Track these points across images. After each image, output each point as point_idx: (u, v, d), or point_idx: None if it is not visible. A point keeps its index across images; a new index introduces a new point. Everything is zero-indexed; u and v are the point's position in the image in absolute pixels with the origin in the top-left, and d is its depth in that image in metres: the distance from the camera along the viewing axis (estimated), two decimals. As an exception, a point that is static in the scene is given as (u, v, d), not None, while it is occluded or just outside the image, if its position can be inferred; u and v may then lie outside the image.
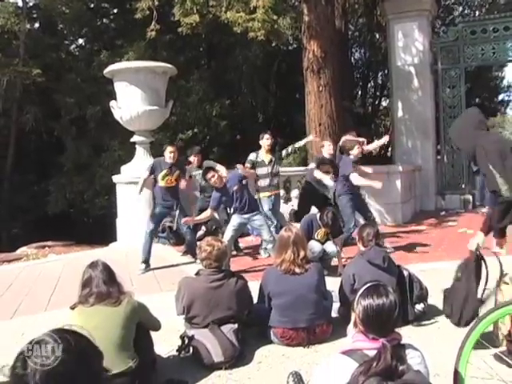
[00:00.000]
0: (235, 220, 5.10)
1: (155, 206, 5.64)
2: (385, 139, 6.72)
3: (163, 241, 6.79)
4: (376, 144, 6.66)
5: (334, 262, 5.14)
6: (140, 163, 7.29)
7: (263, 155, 5.95)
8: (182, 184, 5.56)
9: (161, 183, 5.51)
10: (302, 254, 3.17)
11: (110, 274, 2.61)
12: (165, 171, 5.64)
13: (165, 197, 5.64)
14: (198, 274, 3.11)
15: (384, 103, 18.61)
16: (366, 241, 3.42)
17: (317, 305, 3.12)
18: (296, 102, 13.31)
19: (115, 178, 7.44)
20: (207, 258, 3.03)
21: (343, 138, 6.22)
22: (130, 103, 7.16)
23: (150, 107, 7.17)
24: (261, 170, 5.89)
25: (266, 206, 5.86)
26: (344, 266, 4.48)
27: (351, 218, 5.68)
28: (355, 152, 5.87)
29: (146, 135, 7.47)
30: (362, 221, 5.63)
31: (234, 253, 5.87)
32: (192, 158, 6.30)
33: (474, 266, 2.58)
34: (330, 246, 5.04)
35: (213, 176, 4.98)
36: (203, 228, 7.21)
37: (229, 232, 5.08)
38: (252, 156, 5.95)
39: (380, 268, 3.22)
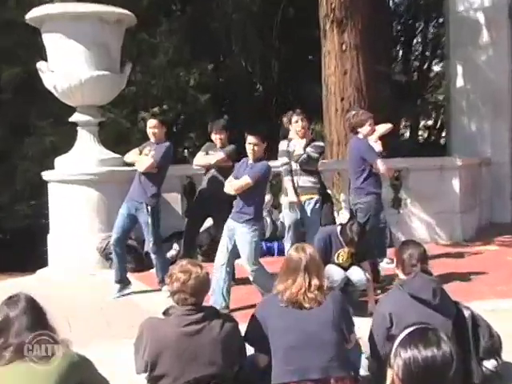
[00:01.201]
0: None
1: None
2: (385, 128, 6.71)
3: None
4: (379, 131, 6.57)
5: (363, 295, 5.18)
6: (83, 153, 7.32)
7: (296, 143, 5.94)
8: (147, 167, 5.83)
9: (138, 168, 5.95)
10: (315, 283, 3.19)
11: (38, 315, 2.51)
12: (146, 150, 6.00)
13: (137, 190, 5.92)
14: (167, 313, 3.11)
15: (436, 68, 18.76)
16: (407, 266, 3.43)
17: (336, 348, 3.07)
18: (309, 67, 13.35)
19: (46, 175, 7.47)
20: (181, 290, 3.02)
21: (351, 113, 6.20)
22: (68, 66, 7.14)
23: (97, 72, 7.19)
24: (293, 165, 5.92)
25: (294, 214, 5.88)
26: (376, 301, 4.51)
27: (384, 231, 5.74)
28: (365, 131, 5.92)
29: (93, 113, 7.52)
30: None
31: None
32: (214, 137, 6.34)
33: None
34: (357, 273, 5.09)
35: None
36: (174, 246, 7.24)
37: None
38: (284, 145, 6.00)
39: (429, 305, 3.23)
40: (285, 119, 6.54)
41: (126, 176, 7.20)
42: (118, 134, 11.83)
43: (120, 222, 5.96)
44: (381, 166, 5.74)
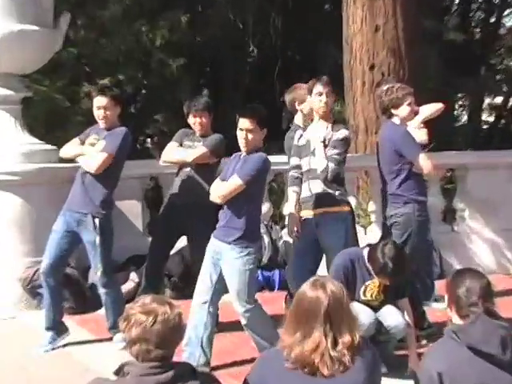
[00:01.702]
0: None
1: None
2: (433, 109, 6.74)
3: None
4: (423, 114, 6.58)
5: (400, 346, 5.19)
6: (0, 144, 7.32)
7: (313, 129, 5.89)
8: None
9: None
10: (346, 339, 3.16)
11: None
12: (91, 138, 6.02)
13: (79, 196, 5.93)
14: (121, 372, 3.10)
15: (509, 21, 18.84)
16: (464, 305, 3.42)
17: None
18: (324, 22, 13.41)
19: None
20: (142, 339, 3.01)
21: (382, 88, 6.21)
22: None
23: (19, 26, 7.21)
24: (305, 162, 5.87)
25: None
26: (420, 355, 4.50)
27: (431, 255, 5.75)
28: (404, 113, 5.94)
29: (13, 86, 7.54)
30: None
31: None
32: (191, 121, 6.37)
33: None
34: (392, 316, 5.09)
35: None
36: (132, 276, 7.22)
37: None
38: (293, 136, 5.95)
39: (495, 361, 3.23)
40: (293, 96, 6.48)
41: (62, 176, 7.18)
42: (50, 116, 11.84)
43: (54, 243, 5.95)
44: (424, 163, 5.74)
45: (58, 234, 5.94)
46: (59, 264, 6.01)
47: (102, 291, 6.03)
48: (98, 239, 5.80)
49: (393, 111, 5.87)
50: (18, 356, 5.83)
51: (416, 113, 6.15)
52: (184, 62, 12.79)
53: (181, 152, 6.29)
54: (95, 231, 5.81)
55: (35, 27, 7.27)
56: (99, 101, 5.99)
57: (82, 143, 6.10)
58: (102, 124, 6.01)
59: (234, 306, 5.26)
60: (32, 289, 7.00)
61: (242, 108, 5.45)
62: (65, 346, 6.01)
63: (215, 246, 5.25)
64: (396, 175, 5.82)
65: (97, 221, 5.82)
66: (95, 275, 6.02)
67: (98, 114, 5.98)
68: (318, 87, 5.78)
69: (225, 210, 5.24)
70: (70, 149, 6.20)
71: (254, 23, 14.29)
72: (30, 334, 6.28)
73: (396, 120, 5.88)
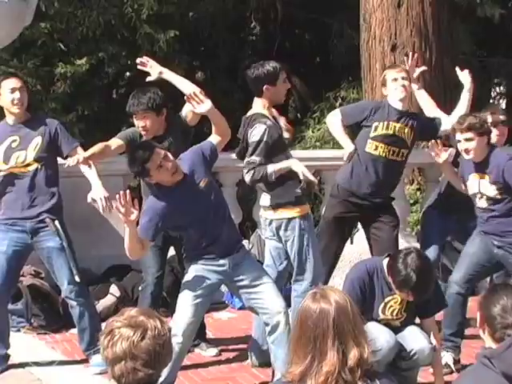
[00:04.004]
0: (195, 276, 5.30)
1: None
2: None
3: (14, 321, 6.84)
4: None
5: (425, 373, 5.19)
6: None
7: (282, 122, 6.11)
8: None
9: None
10: (354, 355, 3.17)
11: None
12: (9, 140, 5.94)
13: (19, 203, 5.89)
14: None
15: None
16: (499, 326, 3.43)
17: None
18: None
19: None
20: (128, 356, 3.01)
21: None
22: None
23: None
24: (277, 159, 5.89)
25: (294, 242, 5.92)
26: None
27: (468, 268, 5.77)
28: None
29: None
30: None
31: (198, 351, 6.24)
32: (136, 123, 6.20)
33: None
34: (416, 338, 5.09)
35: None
36: (112, 290, 7.24)
37: (186, 309, 5.24)
38: (262, 126, 5.92)
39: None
40: None
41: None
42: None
43: (2, 263, 5.86)
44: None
45: (4, 254, 5.83)
46: (10, 287, 5.98)
47: (74, 304, 5.94)
48: (64, 243, 5.79)
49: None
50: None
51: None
52: (174, 38, 12.71)
53: None
54: (57, 235, 5.80)
55: (1, -1, 7.29)
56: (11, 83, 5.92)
57: None
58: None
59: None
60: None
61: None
62: (28, 366, 5.96)
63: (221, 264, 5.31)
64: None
65: (57, 223, 5.81)
66: (66, 285, 5.91)
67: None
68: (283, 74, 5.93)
69: None
70: None
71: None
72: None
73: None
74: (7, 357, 5.98)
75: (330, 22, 13.62)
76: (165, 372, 4.95)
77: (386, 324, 5.09)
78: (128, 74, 13.56)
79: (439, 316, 5.70)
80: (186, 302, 5.23)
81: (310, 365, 3.15)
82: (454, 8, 11.24)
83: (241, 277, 5.23)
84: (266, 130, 5.56)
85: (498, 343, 3.40)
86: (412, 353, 5.04)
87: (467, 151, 5.73)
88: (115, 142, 6.08)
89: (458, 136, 5.76)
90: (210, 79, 13.32)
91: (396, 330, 5.10)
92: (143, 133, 6.08)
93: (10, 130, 5.94)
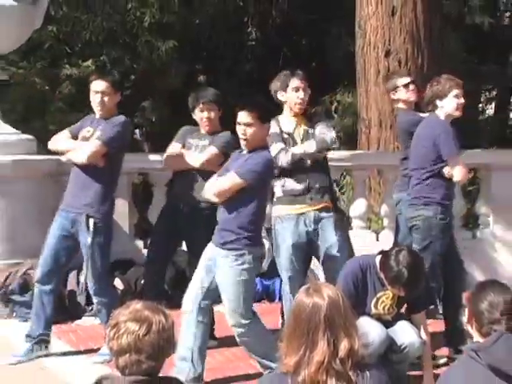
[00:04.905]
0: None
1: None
2: None
3: (22, 311, 6.93)
4: None
5: (414, 366, 5.19)
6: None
7: (289, 123, 6.02)
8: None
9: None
10: (344, 346, 3.19)
11: None
12: (85, 131, 5.97)
13: (73, 194, 5.92)
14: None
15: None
16: (486, 321, 3.42)
17: None
18: (334, 2, 13.40)
19: None
20: (133, 348, 3.01)
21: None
22: None
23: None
24: (287, 156, 5.88)
25: (290, 237, 5.89)
26: (436, 377, 4.49)
27: (436, 269, 5.77)
28: (451, 106, 5.96)
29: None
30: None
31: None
32: (198, 116, 6.33)
33: None
34: (406, 332, 5.08)
35: None
36: (117, 283, 7.26)
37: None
38: (275, 127, 5.89)
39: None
40: (277, 83, 6.46)
41: (42, 169, 7.21)
42: (28, 102, 11.83)
43: (49, 248, 5.94)
44: (459, 169, 5.74)
45: (53, 238, 5.93)
46: (56, 272, 5.98)
47: (94, 300, 6.06)
48: (89, 240, 5.78)
49: (437, 102, 5.89)
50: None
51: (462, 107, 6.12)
52: (174, 45, 12.72)
53: (186, 155, 6.21)
54: (88, 232, 5.79)
55: (13, 2, 7.33)
56: (98, 85, 5.89)
57: (74, 136, 6.04)
58: (97, 112, 5.95)
59: (226, 318, 5.28)
60: (4, 295, 7.02)
61: (241, 100, 5.44)
62: (40, 358, 5.99)
63: (210, 252, 5.28)
64: (424, 174, 5.85)
65: (91, 221, 5.80)
66: (87, 282, 6.04)
67: (95, 100, 5.90)
68: (295, 81, 5.87)
69: (222, 211, 5.27)
70: (60, 142, 6.11)
71: (255, 3, 14.28)
72: (3, 345, 6.27)
73: (440, 114, 5.90)
74: (48, 342, 6.05)
75: (327, 28, 13.61)
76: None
77: (378, 318, 5.08)
78: (132, 77, 13.55)
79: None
80: None
81: (303, 355, 3.17)
82: (446, 16, 11.25)
83: None
84: None
85: (485, 337, 3.40)
86: (403, 346, 5.03)
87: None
88: (177, 147, 6.29)
89: None
90: (212, 82, 13.30)
91: (387, 325, 5.09)
92: (206, 124, 6.18)
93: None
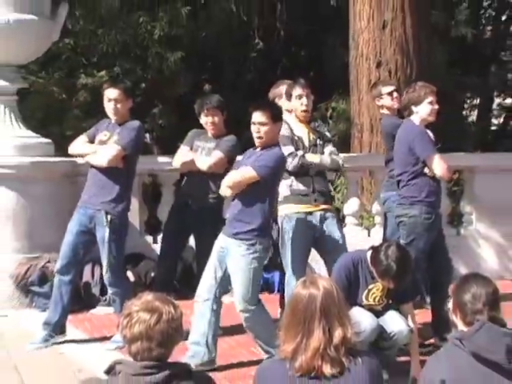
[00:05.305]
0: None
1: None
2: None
3: (41, 302, 6.95)
4: None
5: (402, 352, 5.19)
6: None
7: (299, 129, 5.98)
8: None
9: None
10: (338, 334, 3.19)
11: None
12: (102, 135, 6.02)
13: (92, 193, 5.96)
14: (111, 371, 3.09)
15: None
16: (469, 312, 3.40)
17: None
18: (331, 17, 13.39)
19: None
20: (144, 337, 3.01)
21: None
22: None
23: (16, 16, 7.25)
24: (294, 161, 5.87)
25: (298, 235, 5.84)
26: (423, 363, 4.49)
27: (420, 263, 5.74)
28: (425, 111, 5.94)
29: (9, 76, 7.57)
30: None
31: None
32: (203, 120, 6.38)
33: None
34: (395, 321, 5.09)
35: None
36: (128, 275, 7.25)
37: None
38: (286, 129, 5.87)
39: (500, 370, 3.22)
40: (274, 91, 6.46)
41: (59, 170, 7.20)
42: (46, 109, 11.84)
43: (68, 243, 5.98)
44: (438, 165, 5.74)
45: (72, 234, 5.99)
46: (74, 264, 6.05)
47: (109, 291, 6.14)
48: (106, 236, 5.84)
49: (413, 108, 5.89)
50: (9, 356, 5.85)
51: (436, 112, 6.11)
52: (182, 56, 12.76)
53: (194, 158, 6.27)
54: (105, 228, 5.85)
55: (33, 17, 7.31)
56: (112, 92, 5.96)
57: (91, 140, 6.09)
58: (112, 117, 6.02)
59: (235, 304, 5.32)
60: (24, 286, 7.03)
61: (255, 103, 5.45)
62: (57, 344, 6.04)
63: (222, 242, 5.32)
64: (408, 176, 5.85)
65: (109, 217, 5.86)
66: (104, 274, 6.05)
67: (109, 106, 5.97)
68: (298, 90, 5.89)
69: (234, 203, 5.31)
70: (79, 147, 6.18)
71: (259, 17, 14.26)
72: (22, 333, 6.31)
73: (415, 118, 5.90)
74: (64, 331, 6.11)
75: (324, 39, 13.60)
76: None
77: (369, 309, 5.09)
78: (143, 85, 13.56)
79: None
80: None
81: (300, 342, 3.18)
82: (433, 29, 11.24)
83: None
84: None
85: (468, 327, 3.40)
86: (392, 334, 5.05)
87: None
88: (185, 150, 6.40)
89: None
90: (217, 91, 13.29)
91: (378, 314, 5.10)
92: (211, 128, 6.26)
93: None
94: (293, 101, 5.91)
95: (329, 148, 5.99)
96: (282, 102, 6.08)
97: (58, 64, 12.42)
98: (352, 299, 4.88)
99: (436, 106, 5.94)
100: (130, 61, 13.02)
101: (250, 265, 5.20)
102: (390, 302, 5.18)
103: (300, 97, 5.87)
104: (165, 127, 13.57)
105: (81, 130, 6.78)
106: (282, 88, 6.19)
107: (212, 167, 6.09)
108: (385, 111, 6.82)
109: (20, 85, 7.75)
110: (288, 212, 5.81)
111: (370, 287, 5.09)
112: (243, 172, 5.22)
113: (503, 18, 18.60)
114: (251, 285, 5.22)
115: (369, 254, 5.09)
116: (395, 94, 6.73)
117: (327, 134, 6.23)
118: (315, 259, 6.23)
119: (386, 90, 6.79)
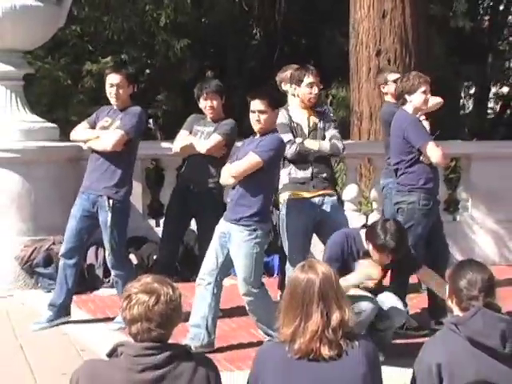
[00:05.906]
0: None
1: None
2: (435, 102, 6.80)
3: (46, 283, 6.97)
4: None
5: (398, 334, 5.23)
6: (1, 120, 7.33)
7: (300, 115, 5.97)
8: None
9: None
10: (336, 317, 3.19)
11: None
12: (104, 121, 5.99)
13: (93, 178, 5.94)
14: (114, 353, 3.10)
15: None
16: (465, 297, 3.39)
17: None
18: (331, 7, 13.35)
19: None
20: (144, 318, 3.01)
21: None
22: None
23: (21, 2, 7.22)
24: (292, 149, 5.85)
25: (296, 221, 5.86)
26: (419, 345, 4.48)
27: (418, 249, 5.75)
28: (419, 101, 5.93)
29: (16, 62, 7.54)
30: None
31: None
32: (202, 104, 6.37)
33: None
34: (392, 302, 5.10)
35: None
36: (131, 258, 7.26)
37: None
38: (284, 117, 5.88)
39: (495, 354, 3.21)
40: (281, 76, 6.44)
41: (63, 155, 7.18)
42: (52, 94, 11.82)
43: (71, 228, 5.99)
44: (433, 152, 5.72)
45: (75, 219, 5.99)
46: (78, 247, 6.06)
47: (112, 273, 6.18)
48: (109, 219, 5.84)
49: (406, 97, 5.87)
50: (14, 335, 5.87)
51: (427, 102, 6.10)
52: (188, 44, 12.75)
53: (193, 142, 6.24)
54: (108, 211, 5.85)
55: (39, 3, 7.29)
56: (113, 78, 5.94)
57: (92, 127, 6.07)
58: (113, 102, 5.99)
59: (238, 287, 5.35)
60: (29, 268, 7.05)
61: (253, 90, 5.45)
62: (61, 325, 6.06)
63: (224, 227, 5.31)
64: (405, 164, 5.84)
65: (111, 202, 5.85)
66: (107, 256, 6.08)
67: (110, 92, 5.95)
68: (309, 77, 5.87)
69: (236, 189, 5.30)
70: (81, 133, 6.15)
71: (259, 6, 14.25)
72: (27, 313, 6.33)
73: (409, 107, 5.88)
74: (68, 312, 6.13)
75: (323, 29, 13.58)
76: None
77: (365, 288, 5.08)
78: (147, 71, 13.55)
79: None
80: None
81: (299, 325, 3.18)
82: (431, 19, 11.23)
83: None
84: None
85: (463, 312, 3.40)
86: (387, 314, 5.06)
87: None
88: (184, 134, 6.35)
89: None
90: (219, 77, 13.27)
91: (373, 293, 5.10)
92: (209, 112, 6.23)
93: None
94: (303, 87, 5.88)
95: (330, 132, 5.94)
96: (288, 87, 6.11)
97: (64, 50, 12.43)
98: (345, 272, 4.86)
99: (429, 96, 5.94)
100: (137, 48, 13.01)
101: (252, 250, 5.21)
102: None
103: (311, 85, 5.86)
104: (170, 113, 13.57)
105: (85, 115, 6.75)
106: (289, 73, 6.16)
107: (210, 150, 6.08)
108: (389, 98, 6.78)
109: (26, 70, 7.72)
110: (286, 199, 5.84)
111: (362, 285, 5.09)
112: (248, 160, 5.19)
113: (501, 7, 18.59)
114: (254, 269, 5.23)
115: (362, 231, 5.08)
116: None
117: (331, 116, 6.20)
118: (313, 243, 6.23)
119: (391, 77, 6.76)
